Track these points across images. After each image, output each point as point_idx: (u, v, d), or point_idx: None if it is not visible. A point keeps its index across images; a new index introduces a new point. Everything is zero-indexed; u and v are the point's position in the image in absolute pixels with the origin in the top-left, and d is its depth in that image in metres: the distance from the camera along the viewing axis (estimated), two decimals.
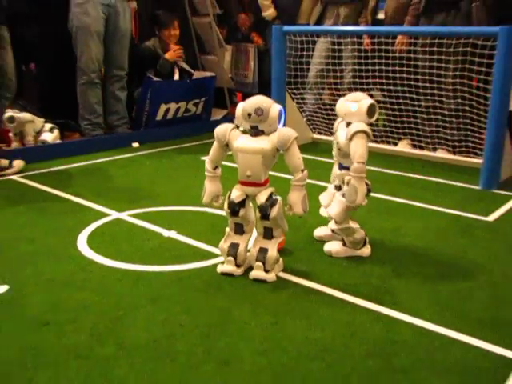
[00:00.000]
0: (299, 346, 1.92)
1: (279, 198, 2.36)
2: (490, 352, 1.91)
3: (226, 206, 2.39)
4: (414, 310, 2.17)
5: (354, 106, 2.47)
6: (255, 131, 2.31)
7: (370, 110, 2.45)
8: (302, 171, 2.30)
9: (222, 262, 2.48)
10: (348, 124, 2.49)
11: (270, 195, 2.34)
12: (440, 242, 2.87)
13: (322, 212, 2.71)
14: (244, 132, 2.35)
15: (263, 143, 2.28)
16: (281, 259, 2.48)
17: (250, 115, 2.27)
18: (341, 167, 2.61)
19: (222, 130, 2.36)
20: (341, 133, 2.54)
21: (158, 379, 1.73)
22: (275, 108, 2.28)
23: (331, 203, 2.58)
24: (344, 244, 2.66)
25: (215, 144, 2.39)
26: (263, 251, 2.39)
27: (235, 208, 2.35)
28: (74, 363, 1.80)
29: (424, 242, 2.86)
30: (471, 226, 3.09)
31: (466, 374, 1.78)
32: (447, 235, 2.96)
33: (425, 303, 2.23)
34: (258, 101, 2.29)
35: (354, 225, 2.62)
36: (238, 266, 2.44)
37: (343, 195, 2.50)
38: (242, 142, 2.31)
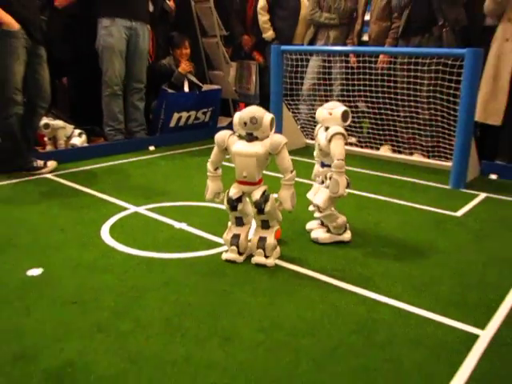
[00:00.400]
0: (292, 323, 1.92)
1: (272, 194, 2.36)
2: (457, 328, 1.91)
3: (225, 202, 2.39)
4: (392, 292, 2.17)
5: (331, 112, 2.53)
6: (250, 137, 2.31)
7: (344, 116, 2.49)
8: (291, 172, 2.30)
9: (226, 251, 2.47)
10: (326, 128, 2.51)
11: (264, 192, 2.34)
12: (415, 233, 2.86)
13: (311, 207, 2.72)
14: (241, 138, 2.35)
15: (257, 148, 2.28)
16: (278, 247, 2.48)
17: (245, 123, 2.27)
18: (322, 165, 2.64)
19: (221, 136, 2.36)
20: (321, 136, 2.56)
21: (170, 351, 1.73)
22: (268, 117, 2.28)
23: (316, 194, 2.61)
24: (328, 231, 2.67)
25: (215, 148, 2.39)
26: (262, 239, 2.39)
27: (233, 203, 2.35)
28: (97, 336, 1.81)
29: (401, 233, 2.86)
30: (442, 220, 3.08)
31: (436, 347, 1.79)
32: (421, 228, 2.95)
33: (401, 287, 2.23)
34: (252, 111, 2.29)
35: (336, 212, 2.64)
36: (240, 253, 2.43)
37: (327, 187, 2.53)
38: (239, 146, 2.31)
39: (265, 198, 2.32)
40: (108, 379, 1.59)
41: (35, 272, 2.29)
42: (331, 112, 2.51)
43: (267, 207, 2.31)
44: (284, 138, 2.29)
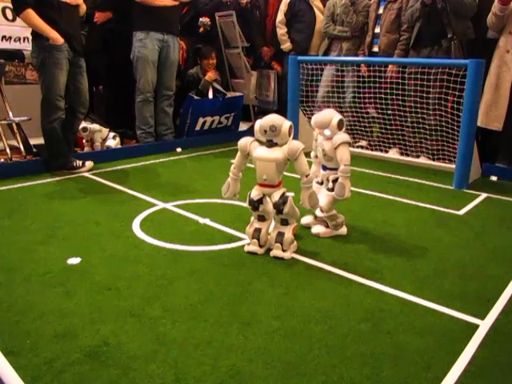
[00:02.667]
0: (306, 312, 1.92)
1: (290, 195, 2.36)
2: (458, 318, 1.90)
3: (247, 203, 2.39)
4: (398, 284, 2.15)
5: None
6: (270, 143, 2.30)
7: (339, 124, 2.48)
8: (307, 176, 2.28)
9: (248, 244, 2.48)
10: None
11: (283, 194, 2.33)
12: (420, 230, 2.83)
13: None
14: (261, 143, 2.34)
15: (277, 153, 2.28)
16: (295, 241, 2.48)
17: (265, 131, 2.26)
18: (325, 168, 2.64)
19: (243, 142, 2.36)
20: (324, 142, 2.54)
21: (194, 335, 1.75)
22: (286, 124, 2.25)
23: (318, 196, 2.58)
24: (327, 226, 2.68)
25: (238, 153, 2.39)
26: (281, 235, 2.39)
27: (255, 204, 2.36)
28: (129, 320, 1.83)
29: (407, 230, 2.83)
30: (446, 218, 3.05)
31: (439, 335, 1.78)
32: (426, 225, 2.92)
33: (407, 279, 2.21)
34: (272, 119, 2.27)
35: (336, 213, 2.66)
36: (260, 246, 2.44)
37: (328, 189, 2.56)
38: (260, 152, 2.31)
39: (283, 199, 2.31)
40: (139, 358, 1.61)
41: (74, 261, 2.33)
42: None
43: (286, 208, 2.31)
44: (301, 144, 2.27)
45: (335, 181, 2.52)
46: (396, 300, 2.03)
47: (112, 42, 4.93)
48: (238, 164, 2.42)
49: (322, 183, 2.66)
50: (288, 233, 2.39)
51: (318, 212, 2.67)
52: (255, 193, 2.37)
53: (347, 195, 2.47)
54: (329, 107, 5.12)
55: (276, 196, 2.32)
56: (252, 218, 2.47)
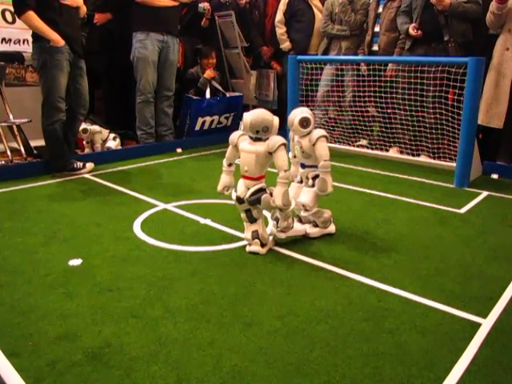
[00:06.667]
0: (308, 311, 1.92)
1: (266, 192, 2.37)
2: (460, 317, 1.89)
3: (234, 198, 2.43)
4: (400, 283, 2.15)
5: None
6: (258, 139, 2.34)
7: (302, 124, 2.46)
8: (285, 171, 2.28)
9: (250, 244, 2.48)
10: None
11: (258, 190, 2.35)
12: (422, 229, 2.83)
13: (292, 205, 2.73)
14: (251, 137, 2.37)
15: (259, 147, 2.31)
16: (271, 237, 2.53)
17: (258, 131, 2.30)
18: (303, 166, 2.62)
19: (233, 136, 2.42)
20: (301, 139, 2.52)
21: (196, 335, 1.75)
22: (276, 122, 2.30)
23: (300, 194, 2.59)
24: (315, 225, 2.67)
25: (229, 146, 2.45)
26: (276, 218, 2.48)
27: (239, 196, 2.39)
28: (131, 321, 1.83)
29: (409, 229, 2.83)
30: (447, 217, 3.05)
31: (441, 334, 1.77)
32: (427, 224, 2.92)
33: (409, 278, 2.21)
34: (263, 119, 2.28)
35: (321, 208, 2.65)
36: (262, 246, 2.44)
37: (308, 187, 2.56)
38: (244, 144, 2.36)
39: (254, 197, 2.35)
40: (140, 359, 1.61)
41: (76, 262, 2.33)
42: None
43: (248, 194, 2.35)
44: (282, 139, 2.28)
45: (315, 178, 2.52)
46: (398, 299, 2.02)
47: (112, 43, 4.94)
48: (228, 156, 2.47)
49: (301, 182, 2.65)
50: (283, 218, 2.44)
51: (302, 213, 2.65)
52: (240, 190, 2.40)
53: (330, 190, 2.46)
54: (328, 106, 5.16)
55: (250, 191, 2.35)
56: (244, 224, 2.48)
